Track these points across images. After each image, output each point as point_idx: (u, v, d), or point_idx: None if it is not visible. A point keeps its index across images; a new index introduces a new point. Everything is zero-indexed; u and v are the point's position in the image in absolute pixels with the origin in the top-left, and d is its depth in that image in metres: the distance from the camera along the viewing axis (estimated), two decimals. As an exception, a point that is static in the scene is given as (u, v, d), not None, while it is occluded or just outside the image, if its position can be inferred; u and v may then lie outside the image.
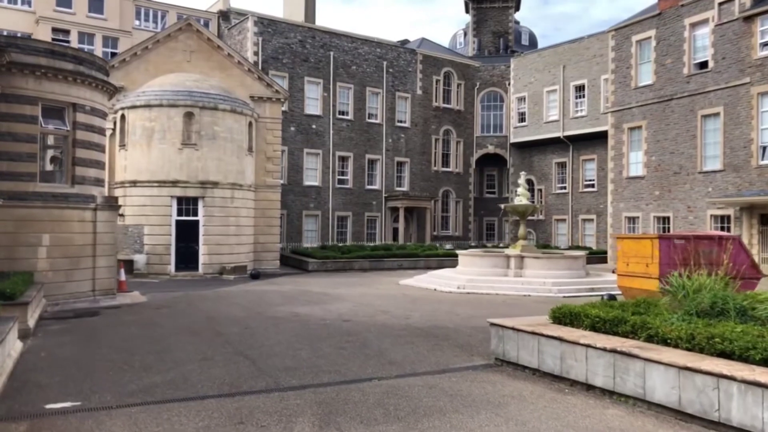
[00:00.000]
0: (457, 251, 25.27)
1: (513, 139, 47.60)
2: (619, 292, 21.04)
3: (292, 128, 39.93)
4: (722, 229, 32.09)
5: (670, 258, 18.27)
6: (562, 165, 45.11)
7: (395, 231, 44.31)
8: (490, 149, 48.45)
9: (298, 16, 44.44)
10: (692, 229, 33.27)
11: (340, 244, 38.76)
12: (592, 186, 43.19)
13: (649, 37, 35.77)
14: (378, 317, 16.59)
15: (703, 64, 33.22)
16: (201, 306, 18.75)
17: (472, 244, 45.49)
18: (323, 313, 17.30)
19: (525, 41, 59.55)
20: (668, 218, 34.90)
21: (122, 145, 28.38)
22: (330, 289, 23.33)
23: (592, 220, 43.24)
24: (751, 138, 31.00)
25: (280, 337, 13.56)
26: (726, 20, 32.02)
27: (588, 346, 9.10)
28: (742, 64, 31.32)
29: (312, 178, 41.37)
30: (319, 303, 19.44)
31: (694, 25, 33.60)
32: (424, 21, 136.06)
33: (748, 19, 31.01)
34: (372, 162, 43.81)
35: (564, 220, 44.94)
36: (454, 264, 33.85)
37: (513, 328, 10.59)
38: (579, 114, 43.02)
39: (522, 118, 46.97)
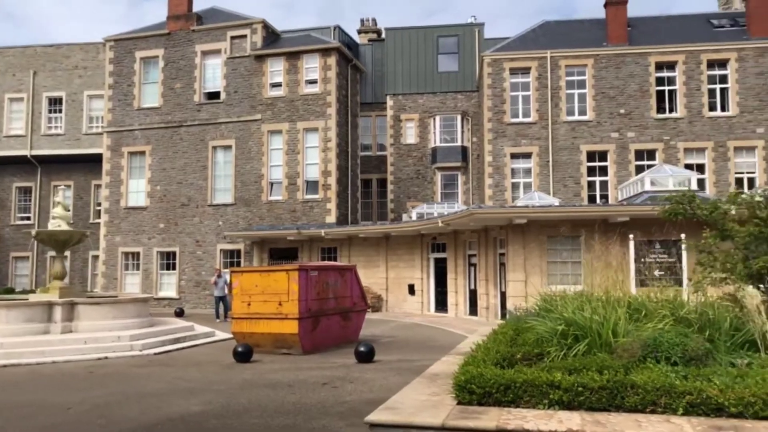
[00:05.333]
0: (-43, 301, 15.40)
1: (-45, 153, 34.97)
2: (229, 337, 16.33)
3: None
4: (232, 264, 30.13)
5: (308, 293, 14.90)
6: (27, 191, 35.42)
7: None
8: None
9: None
10: (201, 264, 30.31)
11: None
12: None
13: (157, 57, 31.54)
14: None
15: (216, 95, 31.08)
16: None
17: None
18: None
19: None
20: (174, 253, 30.86)
21: None
22: None
23: (65, 257, 34.98)
24: (261, 173, 30.30)
25: None
26: (238, 55, 30.82)
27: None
28: (253, 100, 30.53)
29: None
30: None
31: (206, 53, 31.20)
32: None
33: (260, 58, 30.57)
34: None
35: (27, 257, 35.13)
36: None
37: (433, 428, 5.45)
38: (54, 131, 34.61)
39: (-30, 126, 35.05)
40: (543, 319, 8.48)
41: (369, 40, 40.55)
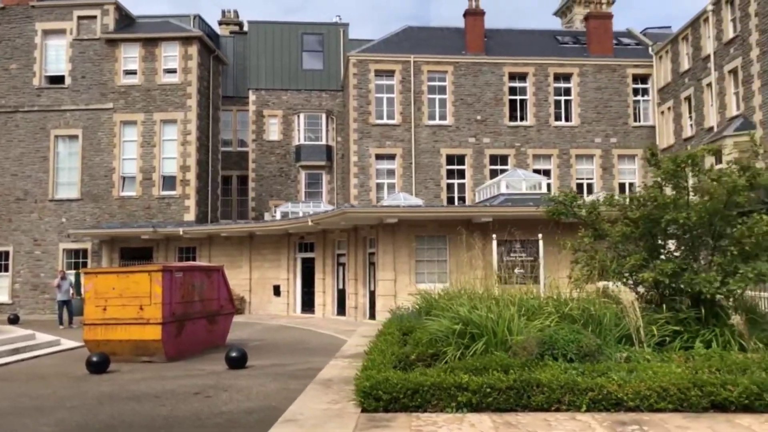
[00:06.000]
0: None
1: None
2: (78, 345, 14.66)
3: None
4: (77, 265, 27.37)
5: (172, 296, 13.78)
6: None
7: None
8: None
9: None
10: (39, 265, 27.26)
11: None
12: None
13: (-12, 32, 27.83)
14: None
15: (60, 79, 28.06)
16: None
17: None
18: None
19: None
20: (8, 253, 27.44)
21: None
22: None
23: None
24: (113, 167, 27.87)
25: None
26: (87, 37, 28.10)
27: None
28: (105, 87, 27.99)
29: None
30: None
31: (48, 33, 28.08)
32: None
33: (112, 42, 28.10)
34: None
35: None
36: None
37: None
38: None
39: None
40: (433, 318, 8.37)
41: (231, 33, 38.95)
